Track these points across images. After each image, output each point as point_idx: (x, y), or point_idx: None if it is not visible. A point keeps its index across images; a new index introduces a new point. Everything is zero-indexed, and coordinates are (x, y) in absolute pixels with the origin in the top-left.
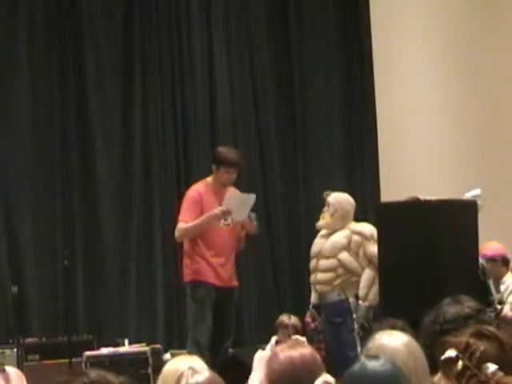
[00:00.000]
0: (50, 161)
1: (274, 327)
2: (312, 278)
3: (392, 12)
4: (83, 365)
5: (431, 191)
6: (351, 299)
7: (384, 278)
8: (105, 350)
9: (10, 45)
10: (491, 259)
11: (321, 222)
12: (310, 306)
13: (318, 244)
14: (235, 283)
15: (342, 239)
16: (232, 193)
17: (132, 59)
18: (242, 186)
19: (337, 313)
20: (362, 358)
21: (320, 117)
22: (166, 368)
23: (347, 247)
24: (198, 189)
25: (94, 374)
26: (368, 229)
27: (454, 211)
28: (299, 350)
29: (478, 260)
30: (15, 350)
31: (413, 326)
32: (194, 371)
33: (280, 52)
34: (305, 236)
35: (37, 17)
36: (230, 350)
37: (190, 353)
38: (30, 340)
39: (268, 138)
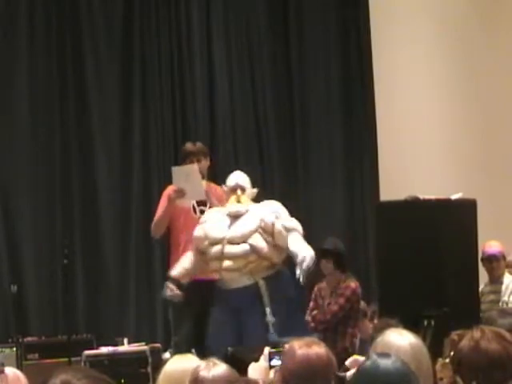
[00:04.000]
0: (50, 161)
1: None
2: (215, 265)
3: (392, 12)
4: (82, 364)
5: (431, 191)
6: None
7: (383, 278)
8: (104, 349)
9: (9, 44)
10: (492, 257)
11: (238, 206)
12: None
13: (223, 228)
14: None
15: (253, 222)
16: (174, 171)
17: (131, 57)
18: None
19: (244, 298)
20: (373, 356)
21: (319, 116)
22: (167, 368)
23: (259, 230)
24: (171, 186)
25: (63, 376)
26: (274, 208)
27: (453, 210)
28: (315, 349)
29: (477, 259)
30: (15, 349)
31: (413, 326)
32: (213, 363)
33: (279, 50)
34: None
35: (36, 16)
36: (229, 349)
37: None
38: (29, 339)
39: (268, 137)
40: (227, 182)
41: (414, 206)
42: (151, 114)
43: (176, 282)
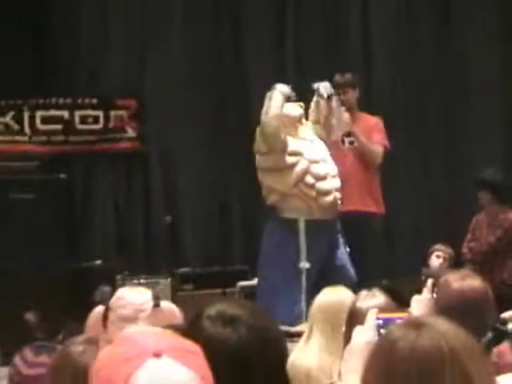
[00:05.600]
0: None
1: (426, 255)
2: (328, 184)
3: None
4: (237, 295)
5: None
6: None
7: None
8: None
9: None
10: None
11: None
12: None
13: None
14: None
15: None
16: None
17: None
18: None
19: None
20: None
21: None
22: (321, 300)
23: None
24: None
25: (218, 306)
26: None
27: None
28: (470, 282)
29: None
30: (169, 279)
31: None
32: (372, 294)
33: None
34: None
35: None
36: (383, 281)
37: None
38: (184, 270)
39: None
40: (286, 110)
41: None
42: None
43: None
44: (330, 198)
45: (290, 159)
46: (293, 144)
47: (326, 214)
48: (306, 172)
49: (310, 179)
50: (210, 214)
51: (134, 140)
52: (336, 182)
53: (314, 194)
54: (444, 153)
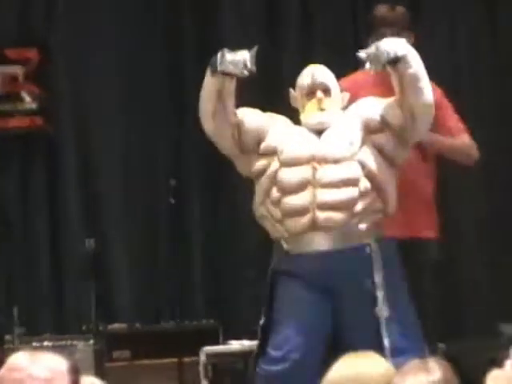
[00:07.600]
0: None
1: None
2: (302, 199)
3: None
4: (201, 367)
5: None
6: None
7: None
8: (235, 344)
9: None
10: None
11: (322, 115)
12: None
13: (304, 143)
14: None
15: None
16: None
17: None
18: None
19: (345, 271)
20: None
21: None
22: (341, 373)
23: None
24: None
25: None
26: None
27: None
28: None
29: None
30: (92, 342)
31: None
32: (425, 366)
33: None
34: None
35: None
36: (441, 345)
37: None
38: (115, 327)
39: None
40: (298, 81)
41: None
42: None
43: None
44: (302, 221)
45: (259, 163)
46: (270, 138)
47: (306, 245)
48: (272, 181)
49: (274, 192)
50: (158, 234)
51: (35, 114)
52: (329, 194)
53: (279, 214)
54: None
